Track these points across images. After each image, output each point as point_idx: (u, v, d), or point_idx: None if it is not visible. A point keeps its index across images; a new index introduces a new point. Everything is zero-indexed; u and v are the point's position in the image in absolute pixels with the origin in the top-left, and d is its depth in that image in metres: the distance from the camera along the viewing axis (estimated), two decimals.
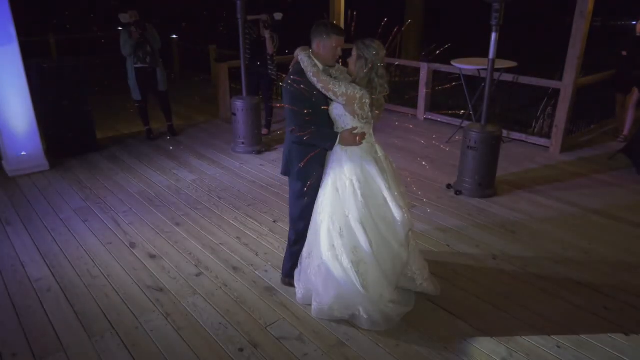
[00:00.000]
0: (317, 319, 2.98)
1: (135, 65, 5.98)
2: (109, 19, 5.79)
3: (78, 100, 5.72)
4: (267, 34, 6.16)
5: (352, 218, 2.81)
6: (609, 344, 2.80)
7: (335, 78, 2.81)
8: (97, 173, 5.34)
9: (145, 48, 5.94)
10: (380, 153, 2.94)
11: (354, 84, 2.74)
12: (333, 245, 2.84)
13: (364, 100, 2.72)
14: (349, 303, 2.89)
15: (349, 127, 2.81)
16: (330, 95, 2.74)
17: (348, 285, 2.83)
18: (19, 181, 5.09)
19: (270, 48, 6.23)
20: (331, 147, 2.85)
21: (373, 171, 2.84)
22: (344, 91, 2.70)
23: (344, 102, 2.73)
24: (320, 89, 2.74)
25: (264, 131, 6.67)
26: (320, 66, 2.80)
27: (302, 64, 2.79)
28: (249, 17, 6.13)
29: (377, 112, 2.84)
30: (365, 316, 2.88)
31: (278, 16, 6.28)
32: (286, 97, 2.82)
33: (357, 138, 2.78)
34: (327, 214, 2.86)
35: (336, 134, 2.81)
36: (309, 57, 2.80)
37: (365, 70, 2.73)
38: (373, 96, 2.77)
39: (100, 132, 6.63)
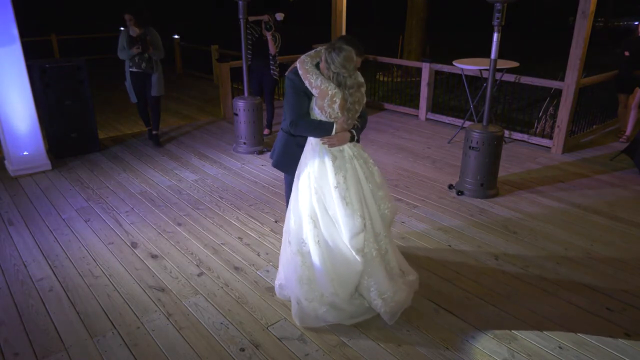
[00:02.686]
0: (279, 296, 3.19)
1: (130, 69, 5.86)
2: (111, 18, 5.66)
3: (80, 100, 5.73)
4: (269, 36, 6.17)
5: (304, 211, 2.87)
6: (610, 345, 2.80)
7: (319, 74, 2.80)
8: (99, 173, 5.35)
9: (142, 54, 5.78)
10: (348, 152, 2.89)
11: (330, 82, 2.75)
12: (287, 231, 2.98)
13: (334, 99, 2.74)
14: (290, 286, 2.99)
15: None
16: (306, 84, 2.78)
17: (291, 272, 2.92)
18: (21, 181, 5.10)
19: (272, 49, 6.23)
20: (325, 134, 2.86)
21: (328, 167, 2.83)
22: (319, 84, 2.74)
23: (317, 95, 2.77)
24: (301, 75, 2.80)
25: (265, 131, 6.68)
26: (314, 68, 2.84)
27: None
28: (251, 18, 6.14)
29: (349, 115, 2.80)
30: (296, 304, 2.92)
31: (279, 16, 6.28)
32: (286, 91, 2.92)
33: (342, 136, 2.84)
34: (292, 201, 2.98)
35: (332, 124, 2.82)
36: (312, 54, 2.88)
37: (328, 74, 2.74)
38: (347, 101, 2.75)
39: (102, 132, 6.66)
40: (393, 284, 2.96)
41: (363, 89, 2.85)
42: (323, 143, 2.84)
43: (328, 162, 2.83)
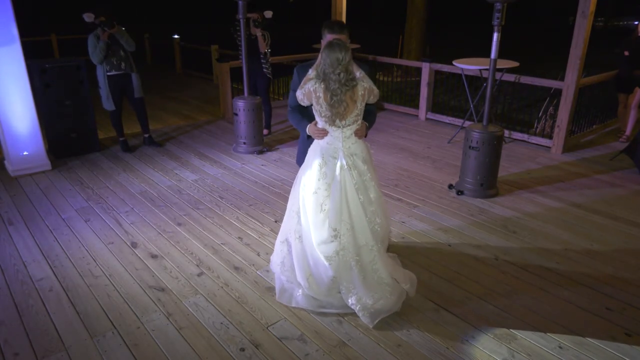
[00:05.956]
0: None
1: (109, 73, 5.54)
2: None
3: (80, 100, 5.72)
4: (258, 33, 6.13)
5: (292, 205, 3.07)
6: (610, 345, 2.80)
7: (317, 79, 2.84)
8: (99, 173, 5.35)
9: (118, 53, 5.52)
10: (342, 162, 2.89)
11: (316, 80, 2.80)
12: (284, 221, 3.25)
13: (317, 94, 2.79)
14: (275, 267, 3.34)
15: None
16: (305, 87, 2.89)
17: (276, 256, 3.30)
18: (21, 181, 5.10)
19: (262, 47, 6.21)
20: (303, 132, 3.05)
21: (315, 171, 2.91)
22: (305, 89, 2.84)
23: (304, 98, 2.87)
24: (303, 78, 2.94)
25: (265, 131, 6.66)
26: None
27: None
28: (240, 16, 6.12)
29: (333, 111, 2.80)
30: (278, 280, 3.23)
31: (268, 14, 6.22)
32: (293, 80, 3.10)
33: (320, 133, 2.91)
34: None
35: (307, 123, 2.98)
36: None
37: (318, 66, 2.82)
38: (329, 97, 2.77)
39: (102, 132, 6.65)
40: (375, 293, 2.96)
41: (357, 87, 2.80)
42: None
43: (316, 166, 2.90)
